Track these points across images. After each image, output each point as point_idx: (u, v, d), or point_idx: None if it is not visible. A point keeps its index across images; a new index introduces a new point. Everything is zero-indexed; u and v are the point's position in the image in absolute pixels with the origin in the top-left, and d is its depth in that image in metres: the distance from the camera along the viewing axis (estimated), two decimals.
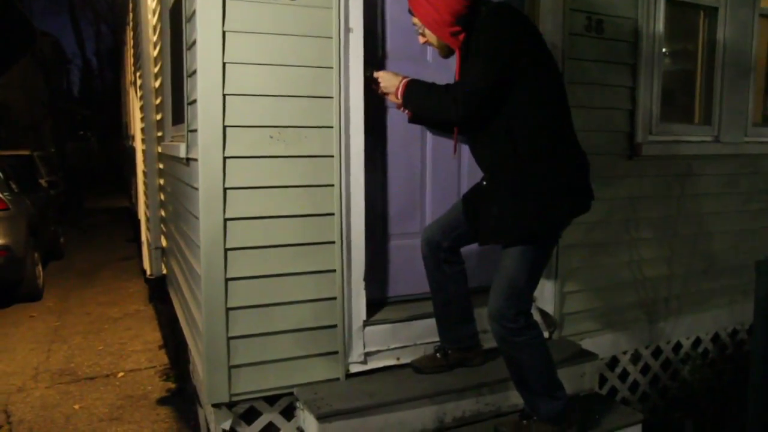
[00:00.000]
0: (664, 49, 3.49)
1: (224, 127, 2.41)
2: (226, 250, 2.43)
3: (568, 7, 3.02)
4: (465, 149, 3.06)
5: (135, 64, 7.10)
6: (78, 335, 5.35)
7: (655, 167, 3.42)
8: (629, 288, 3.39)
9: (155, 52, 5.08)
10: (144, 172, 5.97)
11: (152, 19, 5.24)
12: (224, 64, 2.40)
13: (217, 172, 2.41)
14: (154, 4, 5.03)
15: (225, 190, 2.42)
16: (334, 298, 2.61)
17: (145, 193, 5.88)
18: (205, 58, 2.38)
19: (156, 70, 5.07)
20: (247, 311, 2.48)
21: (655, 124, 3.41)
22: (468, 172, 3.06)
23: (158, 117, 5.13)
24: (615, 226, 3.29)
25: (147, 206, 5.82)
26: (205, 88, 2.39)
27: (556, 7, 3.00)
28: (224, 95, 2.40)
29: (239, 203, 2.45)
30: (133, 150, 7.87)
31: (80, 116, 28.16)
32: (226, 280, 2.44)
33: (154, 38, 5.10)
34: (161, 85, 4.67)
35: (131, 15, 7.21)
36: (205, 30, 2.37)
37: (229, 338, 2.45)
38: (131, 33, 7.58)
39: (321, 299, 2.60)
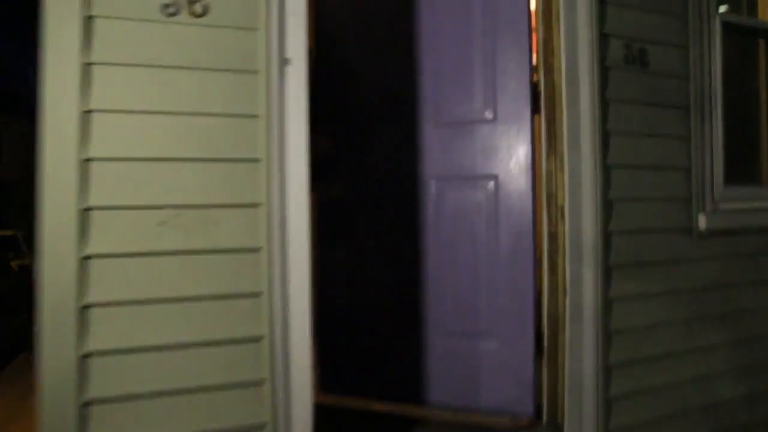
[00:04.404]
0: (721, 87, 2.64)
1: (82, 210, 1.54)
2: (81, 404, 1.52)
3: (599, 30, 2.18)
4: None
5: None
6: None
7: (722, 245, 2.51)
8: (698, 415, 2.43)
9: None
10: None
11: None
12: (84, 112, 1.54)
13: (70, 280, 1.52)
14: None
15: (82, 308, 1.53)
16: None
17: None
18: (52, 101, 1.53)
19: None
20: None
21: (717, 187, 2.53)
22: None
23: None
24: (676, 329, 2.36)
25: None
26: (52, 148, 1.53)
27: (581, 29, 2.16)
28: (84, 159, 1.54)
29: (108, 329, 1.55)
30: None
31: None
32: None
33: None
34: None
35: None
36: (54, 60, 1.53)
37: None
38: None
39: None
